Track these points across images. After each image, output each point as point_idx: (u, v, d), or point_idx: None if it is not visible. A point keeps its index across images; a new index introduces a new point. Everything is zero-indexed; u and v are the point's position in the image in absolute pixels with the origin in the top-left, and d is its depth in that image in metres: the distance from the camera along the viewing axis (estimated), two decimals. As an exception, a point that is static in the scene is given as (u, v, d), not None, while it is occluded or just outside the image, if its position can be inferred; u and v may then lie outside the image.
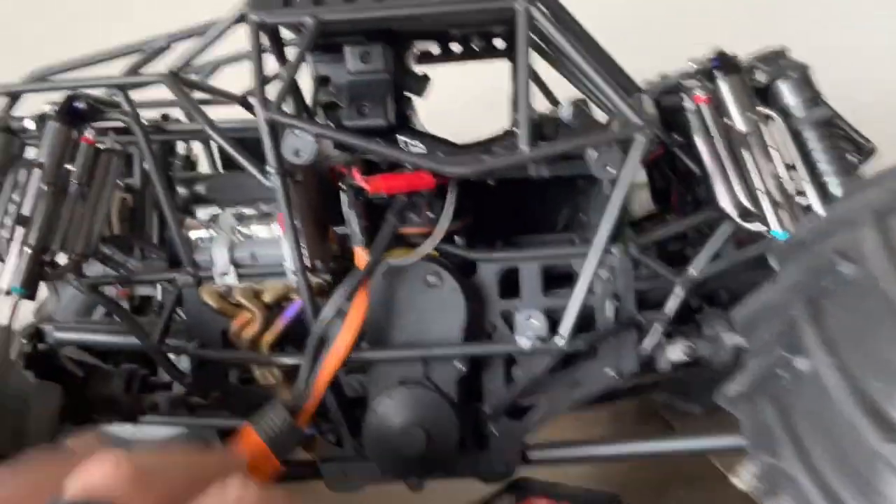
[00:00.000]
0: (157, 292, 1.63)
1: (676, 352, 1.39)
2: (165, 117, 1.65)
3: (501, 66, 1.57)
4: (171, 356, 1.36)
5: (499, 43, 1.67)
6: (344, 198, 1.24)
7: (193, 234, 1.41)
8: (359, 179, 1.21)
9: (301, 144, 1.16)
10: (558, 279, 1.33)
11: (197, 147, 1.73)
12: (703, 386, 1.90)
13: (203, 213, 1.45)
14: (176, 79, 1.26)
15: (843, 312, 0.78)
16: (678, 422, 2.01)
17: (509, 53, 1.67)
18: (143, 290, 1.74)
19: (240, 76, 1.36)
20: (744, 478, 0.93)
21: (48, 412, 1.19)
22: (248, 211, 1.41)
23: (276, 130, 1.17)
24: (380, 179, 1.23)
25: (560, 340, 1.21)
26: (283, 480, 1.42)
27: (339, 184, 1.26)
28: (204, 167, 1.74)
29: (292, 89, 1.26)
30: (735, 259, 1.31)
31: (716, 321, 1.41)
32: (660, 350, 1.37)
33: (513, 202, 1.59)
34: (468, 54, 1.62)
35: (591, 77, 1.15)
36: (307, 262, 1.21)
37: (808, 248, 0.87)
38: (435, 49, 1.63)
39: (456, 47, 1.67)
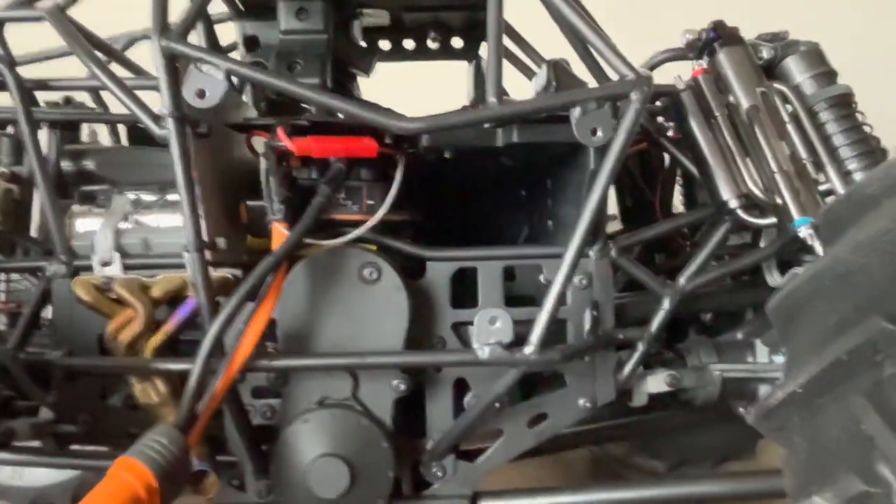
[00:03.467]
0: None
1: (658, 382, 1.06)
2: (68, 100, 1.30)
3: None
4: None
5: (457, 42, 1.40)
6: (263, 163, 0.91)
7: (80, 222, 1.06)
8: (283, 138, 0.88)
9: (207, 84, 0.83)
10: (519, 300, 1.01)
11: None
12: (670, 440, 1.59)
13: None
14: (61, 14, 0.92)
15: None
16: (635, 480, 1.66)
17: (467, 55, 1.39)
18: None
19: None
20: None
21: None
22: (149, 197, 1.06)
23: (174, 66, 0.84)
24: (309, 140, 0.90)
25: (529, 349, 0.86)
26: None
27: (260, 147, 0.94)
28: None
29: (202, 18, 0.93)
30: (733, 267, 1.00)
31: (702, 349, 1.10)
32: (639, 379, 1.05)
33: (467, 211, 1.29)
34: (422, 52, 1.34)
35: (577, 26, 0.86)
36: (206, 238, 0.85)
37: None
38: (386, 44, 1.36)
39: (410, 44, 1.39)
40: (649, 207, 1.30)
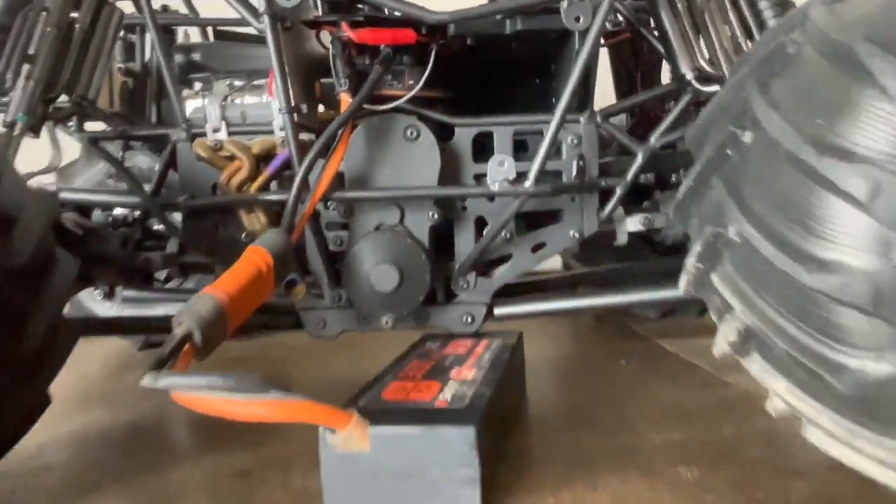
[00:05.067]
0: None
1: (634, 223, 1.38)
2: (165, 8, 1.62)
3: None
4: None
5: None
6: (331, 49, 1.22)
7: (189, 103, 1.39)
8: (346, 30, 1.19)
9: (292, -12, 1.14)
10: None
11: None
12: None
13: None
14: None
15: (788, 82, 0.78)
16: (634, 324, 1.98)
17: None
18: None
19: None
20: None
21: (39, 224, 1.07)
22: (239, 83, 1.38)
23: (269, -24, 1.15)
24: (366, 31, 1.21)
25: (527, 183, 1.19)
26: (266, 328, 1.40)
27: (328, 38, 1.25)
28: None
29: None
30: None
31: (673, 199, 1.41)
32: (619, 221, 1.36)
33: (490, 99, 1.58)
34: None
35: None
36: (293, 103, 1.18)
37: (760, 50, 0.86)
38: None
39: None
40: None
